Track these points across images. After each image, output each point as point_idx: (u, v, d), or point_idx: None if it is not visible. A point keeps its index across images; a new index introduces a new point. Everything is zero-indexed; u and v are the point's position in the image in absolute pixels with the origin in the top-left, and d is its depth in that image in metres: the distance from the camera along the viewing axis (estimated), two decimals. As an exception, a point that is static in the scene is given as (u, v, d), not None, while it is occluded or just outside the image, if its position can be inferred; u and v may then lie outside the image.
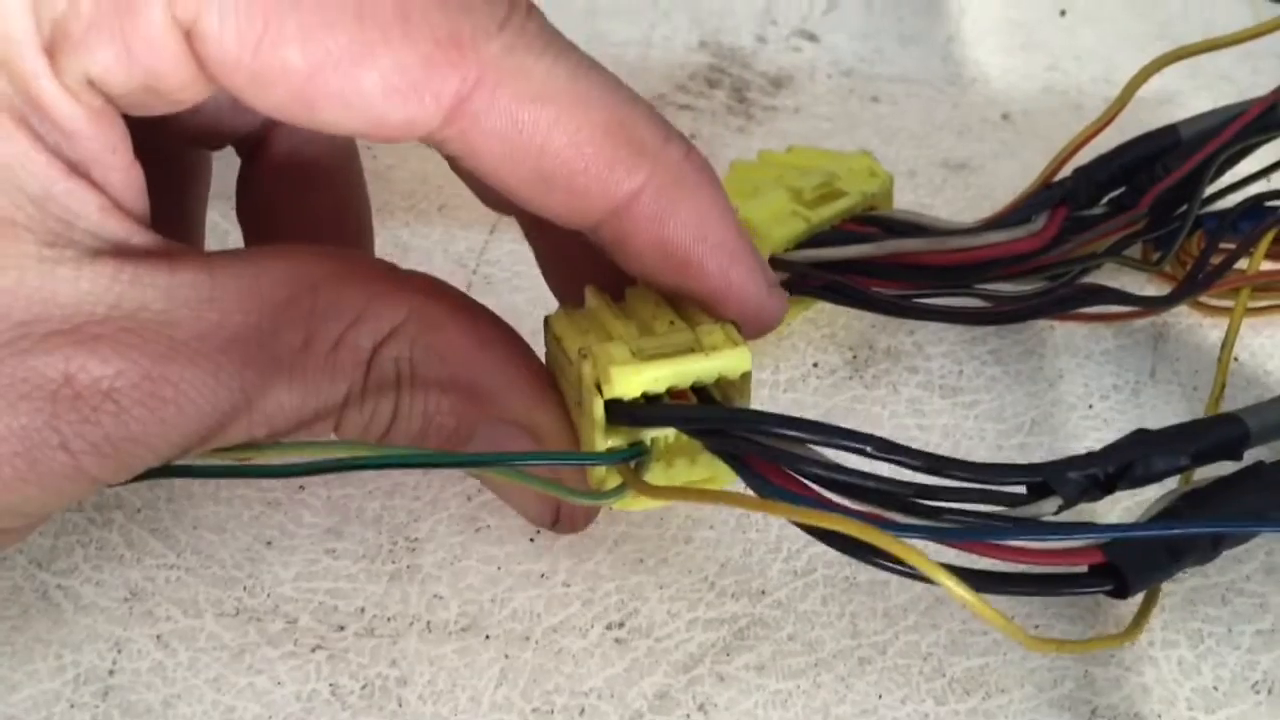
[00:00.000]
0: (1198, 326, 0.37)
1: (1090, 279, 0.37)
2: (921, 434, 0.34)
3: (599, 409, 0.25)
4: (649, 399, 0.25)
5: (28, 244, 0.21)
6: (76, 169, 0.22)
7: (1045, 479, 0.25)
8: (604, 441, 0.25)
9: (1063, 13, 0.52)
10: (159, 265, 0.23)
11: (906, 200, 0.41)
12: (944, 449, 0.33)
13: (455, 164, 0.25)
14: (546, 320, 0.27)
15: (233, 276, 0.23)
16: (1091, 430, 0.34)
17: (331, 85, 0.22)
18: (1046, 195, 0.37)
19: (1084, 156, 0.37)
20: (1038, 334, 0.38)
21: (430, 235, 0.39)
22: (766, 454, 0.24)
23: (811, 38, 0.49)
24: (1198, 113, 0.38)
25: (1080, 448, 0.33)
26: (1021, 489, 0.25)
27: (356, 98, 0.22)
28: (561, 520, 0.28)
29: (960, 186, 0.43)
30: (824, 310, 0.38)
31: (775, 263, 0.34)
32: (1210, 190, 0.37)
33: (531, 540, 0.30)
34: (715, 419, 0.25)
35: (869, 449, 0.24)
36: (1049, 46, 0.50)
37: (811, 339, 0.37)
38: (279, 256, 0.24)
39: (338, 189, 0.31)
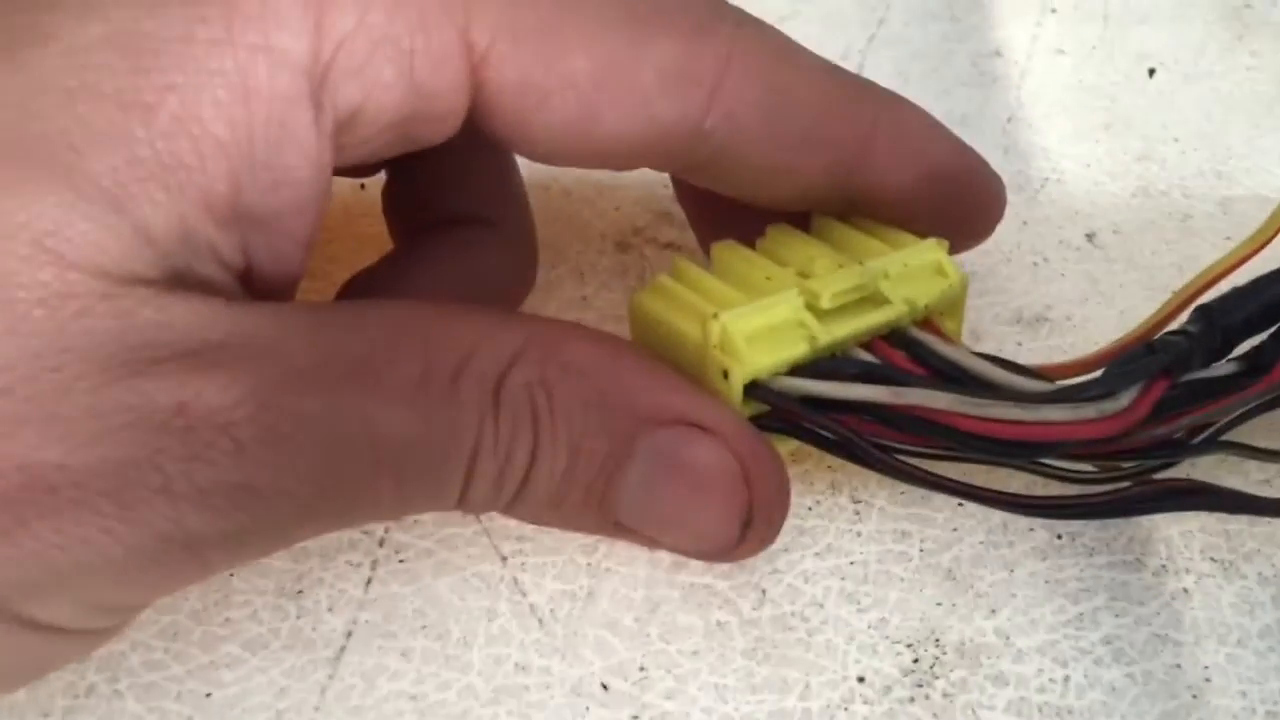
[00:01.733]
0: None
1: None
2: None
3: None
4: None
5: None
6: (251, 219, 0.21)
7: None
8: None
9: (1152, 72, 0.40)
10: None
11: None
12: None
13: (708, 170, 0.26)
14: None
15: (338, 312, 0.22)
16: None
17: (616, 87, 0.23)
18: (1144, 361, 0.25)
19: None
20: (1168, 603, 0.27)
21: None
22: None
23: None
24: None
25: None
26: None
27: (638, 95, 0.23)
28: (756, 524, 0.24)
29: (1039, 354, 0.32)
30: (871, 573, 0.27)
31: (751, 391, 0.24)
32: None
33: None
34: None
35: None
36: (1137, 124, 0.38)
37: (854, 631, 0.26)
38: (381, 302, 0.23)
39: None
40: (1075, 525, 0.28)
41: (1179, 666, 0.26)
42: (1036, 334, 0.32)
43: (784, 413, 0.25)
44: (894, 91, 0.27)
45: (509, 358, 0.22)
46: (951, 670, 0.26)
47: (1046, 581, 0.27)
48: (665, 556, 0.27)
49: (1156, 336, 0.26)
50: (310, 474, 0.20)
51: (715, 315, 0.24)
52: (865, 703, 0.25)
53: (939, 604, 0.27)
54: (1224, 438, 0.26)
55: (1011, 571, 0.27)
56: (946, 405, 0.24)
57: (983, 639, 0.26)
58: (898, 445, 0.25)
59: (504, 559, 0.28)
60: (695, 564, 0.27)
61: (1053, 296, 0.33)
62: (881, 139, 0.26)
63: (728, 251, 0.27)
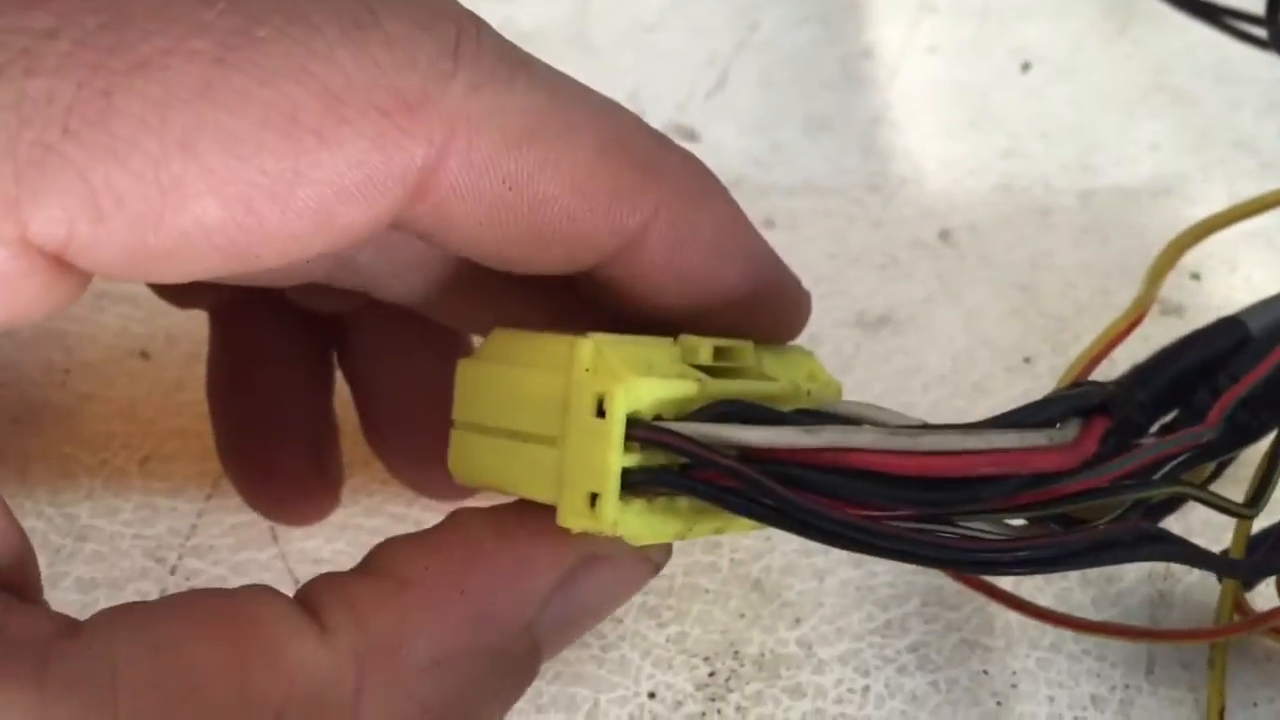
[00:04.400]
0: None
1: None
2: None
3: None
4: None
5: None
6: None
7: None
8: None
9: (1026, 66, 0.39)
10: None
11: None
12: None
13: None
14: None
15: None
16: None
17: (271, 220, 0.18)
18: (1076, 393, 0.22)
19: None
20: (980, 610, 0.26)
21: (120, 511, 0.28)
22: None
23: (690, 135, 0.37)
24: (1262, 298, 0.25)
25: None
26: None
27: (305, 219, 0.18)
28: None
29: (878, 355, 0.31)
30: (677, 586, 0.26)
31: (641, 430, 0.19)
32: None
33: None
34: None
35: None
36: (1006, 121, 0.38)
37: (650, 645, 0.26)
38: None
39: None
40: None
41: (986, 672, 0.25)
42: (877, 335, 0.32)
43: (678, 455, 0.20)
44: (701, 166, 0.22)
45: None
46: (747, 683, 0.25)
47: (858, 588, 0.26)
48: (464, 575, 0.27)
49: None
50: None
51: (585, 334, 0.19)
52: (655, 719, 0.24)
53: (742, 615, 0.26)
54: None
55: (822, 580, 0.27)
56: (872, 443, 0.20)
57: (784, 650, 0.25)
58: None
59: (299, 584, 0.27)
60: (493, 582, 0.27)
61: (898, 297, 0.33)
62: (655, 243, 0.21)
63: (507, 336, 0.21)
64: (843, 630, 0.26)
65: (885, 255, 0.34)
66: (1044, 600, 0.26)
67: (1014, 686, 0.25)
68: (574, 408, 0.19)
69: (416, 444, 0.27)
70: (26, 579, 0.19)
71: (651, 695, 0.25)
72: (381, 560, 0.20)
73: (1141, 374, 0.23)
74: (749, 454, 0.19)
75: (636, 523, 0.19)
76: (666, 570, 0.27)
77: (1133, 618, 0.26)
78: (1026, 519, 0.22)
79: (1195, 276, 0.32)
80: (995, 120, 0.38)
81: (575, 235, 0.20)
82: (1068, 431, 0.21)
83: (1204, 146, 0.36)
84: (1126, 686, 0.25)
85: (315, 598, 0.19)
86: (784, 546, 0.27)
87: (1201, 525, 0.27)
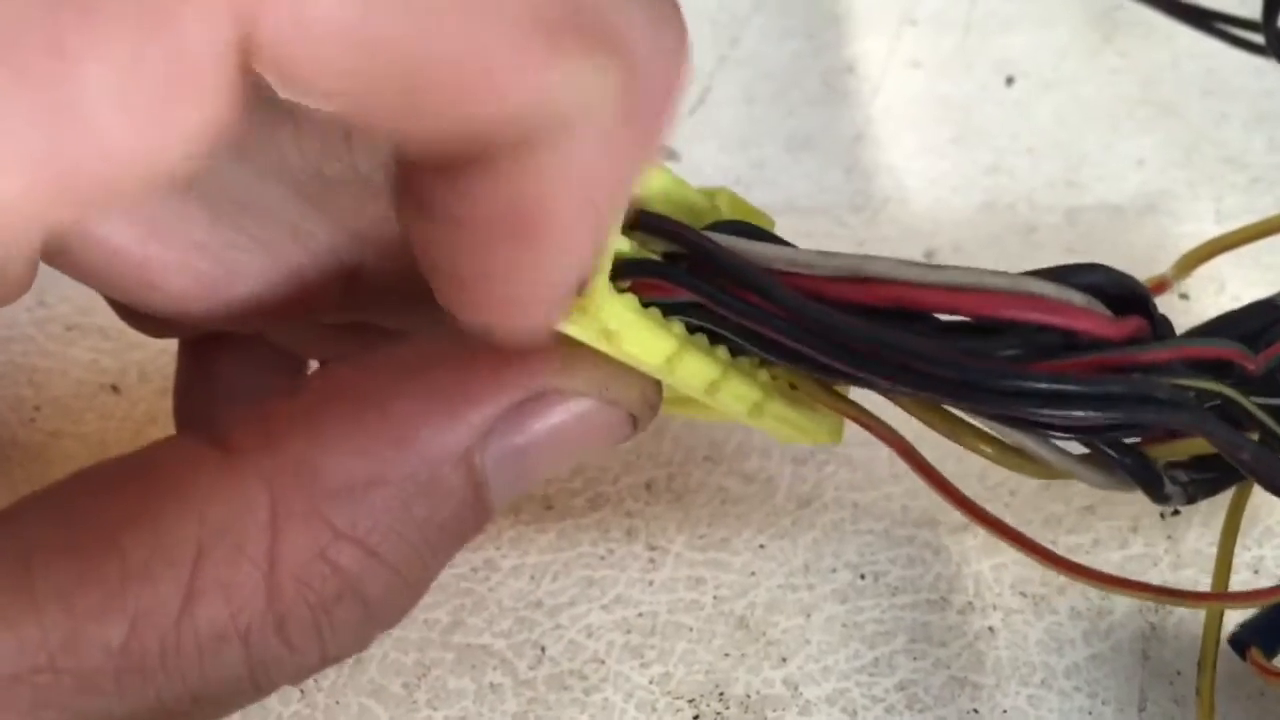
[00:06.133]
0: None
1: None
2: None
3: None
4: None
5: None
6: None
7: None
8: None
9: (1010, 80, 0.39)
10: None
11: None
12: None
13: None
14: None
15: None
16: None
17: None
18: (1121, 278, 0.19)
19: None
20: (969, 646, 0.25)
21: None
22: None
23: (671, 155, 0.37)
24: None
25: None
26: None
27: None
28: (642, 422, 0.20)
29: (864, 381, 0.30)
30: (660, 624, 0.26)
31: (648, 217, 0.18)
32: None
33: None
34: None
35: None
36: (991, 136, 0.37)
37: (634, 687, 0.25)
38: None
39: None
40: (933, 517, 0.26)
41: (976, 711, 0.25)
42: (863, 361, 0.31)
43: (681, 249, 0.18)
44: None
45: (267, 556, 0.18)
46: (733, 726, 0.24)
47: (844, 625, 0.26)
48: (442, 617, 0.26)
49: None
50: None
51: None
52: (638, 765, 0.24)
53: (727, 654, 0.26)
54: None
55: (808, 616, 0.26)
56: (900, 274, 0.17)
57: (770, 690, 0.25)
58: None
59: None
60: (472, 623, 0.26)
61: (883, 320, 0.32)
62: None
63: None
64: (829, 669, 0.25)
65: (869, 277, 0.33)
66: (1034, 634, 0.26)
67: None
68: None
69: None
70: None
71: (635, 740, 0.24)
72: (309, 381, 0.19)
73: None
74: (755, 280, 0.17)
75: (624, 318, 0.17)
76: (649, 608, 0.26)
77: (1123, 651, 0.26)
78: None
79: (1184, 296, 0.31)
80: (979, 135, 0.37)
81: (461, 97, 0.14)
82: (1103, 309, 0.18)
83: (1191, 161, 0.35)
84: (1119, 724, 0.24)
85: (232, 424, 0.18)
86: (768, 582, 0.27)
87: (1192, 554, 0.27)
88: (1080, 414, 0.18)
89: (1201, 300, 0.31)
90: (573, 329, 0.17)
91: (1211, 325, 0.22)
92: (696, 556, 0.27)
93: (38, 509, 0.18)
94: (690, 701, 0.25)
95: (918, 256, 0.34)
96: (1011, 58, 0.40)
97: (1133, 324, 0.19)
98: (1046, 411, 0.18)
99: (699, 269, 0.18)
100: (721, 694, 0.25)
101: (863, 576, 0.27)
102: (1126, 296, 0.19)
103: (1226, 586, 0.23)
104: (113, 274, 0.20)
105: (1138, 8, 0.38)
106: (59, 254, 0.20)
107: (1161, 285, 0.25)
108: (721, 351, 0.19)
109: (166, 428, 0.29)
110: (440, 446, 0.18)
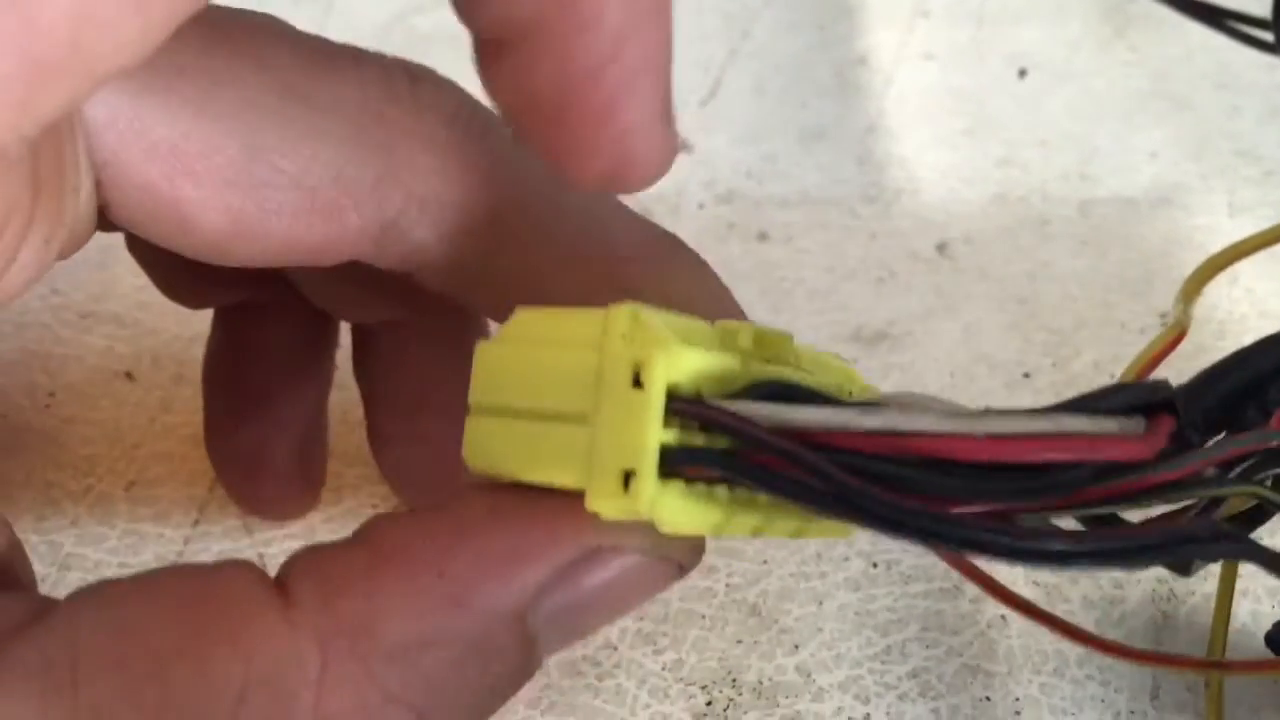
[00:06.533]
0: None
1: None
2: None
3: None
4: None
5: None
6: None
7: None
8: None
9: (1022, 73, 0.39)
10: None
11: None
12: None
13: None
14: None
15: None
16: None
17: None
18: (1146, 388, 0.20)
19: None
20: (982, 635, 0.25)
21: (105, 539, 0.27)
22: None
23: (684, 147, 0.37)
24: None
25: None
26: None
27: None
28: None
29: (877, 371, 0.31)
30: (673, 612, 0.26)
31: (682, 404, 0.18)
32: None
33: None
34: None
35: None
36: (1003, 128, 0.37)
37: (646, 674, 0.25)
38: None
39: None
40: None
41: (988, 699, 0.25)
42: (875, 351, 0.31)
43: (722, 434, 0.18)
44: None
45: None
46: (745, 712, 0.25)
47: (856, 613, 0.26)
48: (455, 602, 0.26)
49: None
50: None
51: (620, 304, 0.18)
52: (651, 751, 0.24)
53: (740, 642, 0.26)
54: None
55: (821, 604, 0.26)
56: (937, 427, 0.18)
57: (782, 677, 0.25)
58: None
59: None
60: (486, 609, 0.26)
61: (896, 311, 0.32)
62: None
63: (530, 314, 0.20)
64: (842, 656, 0.25)
65: (882, 268, 0.33)
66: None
67: (1017, 714, 0.24)
68: (608, 380, 0.17)
69: (420, 456, 0.26)
70: (10, 568, 0.19)
71: (648, 725, 0.24)
72: (366, 534, 0.19)
73: (1196, 388, 0.22)
74: (798, 438, 0.18)
75: (674, 506, 0.17)
76: (661, 595, 0.26)
77: (1136, 640, 0.26)
78: (1077, 517, 0.20)
79: (1196, 289, 0.31)
80: (991, 128, 0.37)
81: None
82: (1136, 424, 0.19)
83: (1204, 154, 0.35)
84: (1131, 713, 0.24)
85: (290, 571, 0.18)
86: (780, 570, 0.27)
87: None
88: (1126, 565, 0.19)
89: (1214, 292, 0.31)
90: (622, 519, 0.17)
91: (1222, 367, 0.22)
92: (709, 544, 0.27)
93: (94, 609, 0.18)
94: (703, 688, 0.25)
95: (929, 250, 0.34)
96: (1024, 51, 0.40)
97: (1163, 432, 0.19)
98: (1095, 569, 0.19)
99: (744, 458, 0.18)
100: (734, 680, 0.25)
101: (875, 565, 0.27)
102: (1154, 405, 0.19)
103: (1234, 573, 0.23)
104: (148, 215, 0.20)
105: (1149, 2, 0.38)
106: (105, 208, 0.20)
107: (1180, 337, 0.25)
108: (763, 497, 0.19)
109: (181, 415, 0.30)
110: (494, 607, 0.18)
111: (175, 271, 0.25)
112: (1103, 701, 0.25)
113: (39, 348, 0.31)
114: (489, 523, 0.18)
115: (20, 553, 0.19)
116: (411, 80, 0.21)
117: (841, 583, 0.26)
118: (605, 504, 0.17)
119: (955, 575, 0.26)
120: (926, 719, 0.24)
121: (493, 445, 0.19)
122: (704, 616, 0.26)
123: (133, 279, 0.32)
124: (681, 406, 0.17)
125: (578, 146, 0.17)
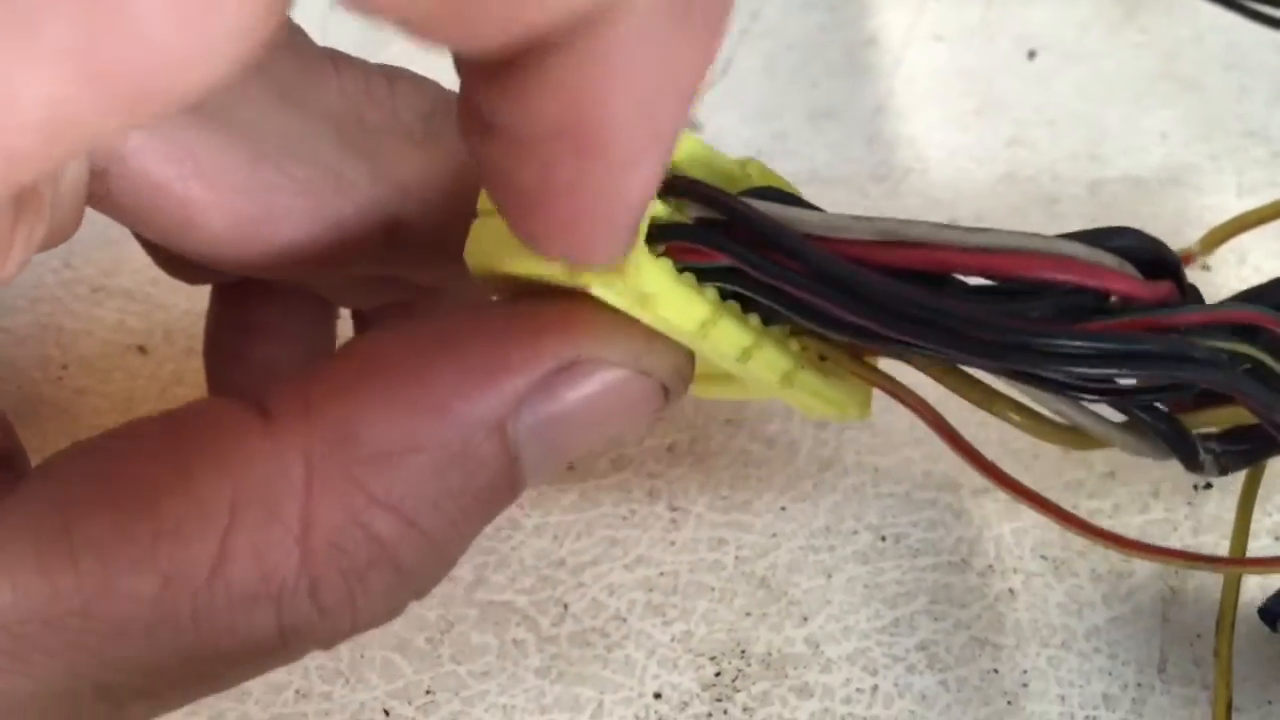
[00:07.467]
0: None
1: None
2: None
3: None
4: None
5: None
6: None
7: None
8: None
9: (1032, 54, 0.39)
10: None
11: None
12: None
13: None
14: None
15: None
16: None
17: None
18: (1151, 241, 0.19)
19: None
20: (990, 608, 0.26)
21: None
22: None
23: (694, 125, 0.37)
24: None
25: None
26: None
27: None
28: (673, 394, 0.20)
29: (886, 348, 0.31)
30: (682, 584, 0.26)
31: (682, 181, 0.19)
32: None
33: None
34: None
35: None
36: (1012, 108, 0.37)
37: (656, 645, 0.25)
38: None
39: None
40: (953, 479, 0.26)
41: (996, 671, 0.25)
42: (884, 328, 0.31)
43: (718, 214, 0.18)
44: None
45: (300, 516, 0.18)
46: (754, 683, 0.25)
47: (865, 586, 0.26)
48: (466, 574, 0.26)
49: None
50: None
51: None
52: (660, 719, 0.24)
53: (749, 614, 0.26)
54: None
55: (829, 577, 0.26)
56: (934, 236, 0.17)
57: (791, 649, 0.25)
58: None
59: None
60: (495, 580, 0.26)
61: (905, 289, 0.32)
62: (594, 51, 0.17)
63: None
64: (850, 629, 0.25)
65: (891, 246, 0.33)
66: (1055, 597, 0.26)
67: (1025, 685, 0.24)
68: None
69: None
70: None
71: (657, 696, 0.25)
72: (348, 350, 0.19)
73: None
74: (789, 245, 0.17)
75: (659, 279, 0.18)
76: (670, 568, 0.26)
77: (1144, 614, 0.26)
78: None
79: (1205, 268, 0.31)
80: (1001, 108, 0.37)
81: None
82: (1133, 271, 0.18)
83: (1213, 135, 0.35)
84: (1139, 685, 0.24)
85: (270, 391, 0.18)
86: (789, 543, 0.27)
87: (1212, 520, 0.27)
88: (1118, 372, 0.18)
89: (1223, 271, 0.31)
90: (608, 293, 0.18)
91: (1238, 298, 0.22)
92: (718, 518, 0.27)
93: (77, 463, 0.18)
94: (712, 659, 0.25)
95: (939, 226, 0.34)
96: (1033, 31, 0.40)
97: (1164, 287, 0.19)
98: (1085, 371, 0.18)
99: (735, 234, 0.18)
100: (743, 652, 0.25)
101: (884, 539, 0.27)
102: (1157, 261, 0.19)
103: (1245, 552, 0.23)
104: (154, 212, 0.20)
105: (1160, -17, 0.38)
106: (103, 197, 0.20)
107: (1188, 258, 0.25)
108: (754, 319, 0.20)
109: (193, 388, 0.30)
110: (475, 415, 0.18)
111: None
112: (1110, 674, 0.25)
113: (51, 321, 0.31)
114: (470, 335, 0.19)
115: (11, 432, 0.20)
116: (389, 80, 0.22)
117: (850, 556, 0.27)
118: (593, 276, 0.17)
119: (964, 548, 0.27)
120: (934, 691, 0.24)
121: (490, 241, 0.19)
122: (713, 588, 0.26)
123: (144, 255, 0.32)
124: (679, 183, 0.17)
125: (538, 231, 0.17)
